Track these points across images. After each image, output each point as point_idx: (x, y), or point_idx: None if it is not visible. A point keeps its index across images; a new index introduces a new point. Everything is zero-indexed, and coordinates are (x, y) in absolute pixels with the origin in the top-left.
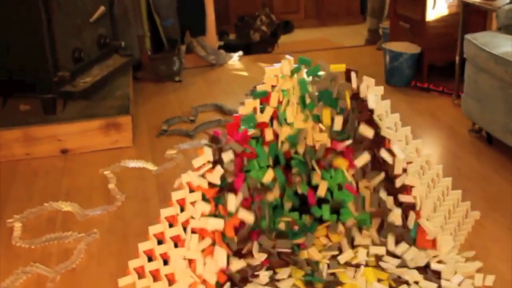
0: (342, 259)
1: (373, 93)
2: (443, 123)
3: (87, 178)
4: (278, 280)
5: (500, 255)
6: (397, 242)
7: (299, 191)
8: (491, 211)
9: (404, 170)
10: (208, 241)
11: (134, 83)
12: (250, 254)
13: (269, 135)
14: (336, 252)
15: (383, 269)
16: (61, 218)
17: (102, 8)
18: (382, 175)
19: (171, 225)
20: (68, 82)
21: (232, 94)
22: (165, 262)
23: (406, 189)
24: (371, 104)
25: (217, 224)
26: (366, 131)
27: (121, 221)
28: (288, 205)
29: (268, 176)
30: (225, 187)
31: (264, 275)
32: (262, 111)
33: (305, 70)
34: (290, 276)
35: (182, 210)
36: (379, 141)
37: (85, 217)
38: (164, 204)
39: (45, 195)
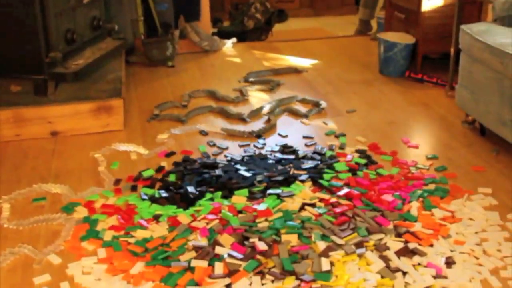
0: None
1: None
2: (437, 114)
3: (77, 160)
4: None
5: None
6: None
7: None
8: None
9: None
10: None
11: (127, 67)
12: None
13: None
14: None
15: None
16: (50, 200)
17: None
18: None
19: None
20: (60, 64)
21: (225, 80)
22: None
23: None
24: None
25: None
26: None
27: None
28: None
29: None
30: None
31: None
32: None
33: None
34: None
35: None
36: None
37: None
38: None
39: (35, 177)
